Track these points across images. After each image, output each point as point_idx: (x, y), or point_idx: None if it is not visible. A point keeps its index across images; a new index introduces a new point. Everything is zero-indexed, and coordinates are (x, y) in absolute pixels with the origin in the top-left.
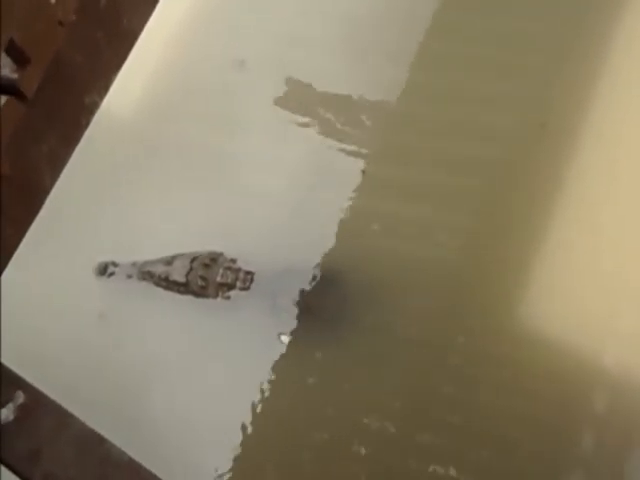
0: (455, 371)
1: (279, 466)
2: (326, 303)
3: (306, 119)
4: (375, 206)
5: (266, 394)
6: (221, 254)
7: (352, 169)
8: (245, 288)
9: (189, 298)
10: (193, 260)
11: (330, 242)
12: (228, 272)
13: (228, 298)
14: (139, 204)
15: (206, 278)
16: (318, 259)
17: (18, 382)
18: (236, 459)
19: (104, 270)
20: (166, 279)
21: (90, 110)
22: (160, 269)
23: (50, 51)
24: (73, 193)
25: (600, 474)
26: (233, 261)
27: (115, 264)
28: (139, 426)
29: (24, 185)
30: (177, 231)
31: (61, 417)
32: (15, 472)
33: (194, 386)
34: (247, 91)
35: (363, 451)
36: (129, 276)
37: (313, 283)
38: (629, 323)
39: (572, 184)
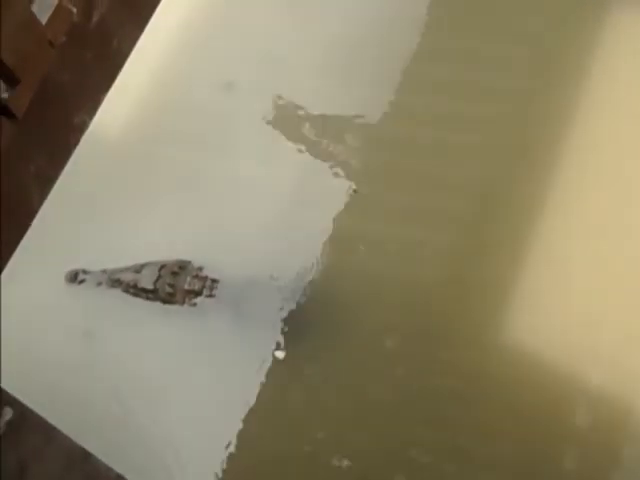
0: (438, 386)
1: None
2: (295, 317)
3: (292, 140)
4: (359, 225)
5: (243, 404)
6: (189, 262)
7: (337, 188)
8: (211, 295)
9: (158, 305)
10: (161, 268)
11: (306, 257)
12: (195, 280)
13: (194, 305)
14: (127, 222)
15: (174, 285)
16: (292, 274)
17: (6, 398)
18: (222, 473)
19: (74, 277)
20: (135, 286)
21: (79, 130)
22: (129, 277)
23: (40, 71)
24: (61, 212)
25: None
26: (200, 269)
27: (85, 272)
28: (125, 442)
29: (12, 204)
30: (163, 245)
31: (48, 432)
32: None
33: (176, 399)
34: (235, 112)
35: (345, 464)
36: (99, 283)
37: (285, 297)
38: (609, 338)
39: (554, 202)
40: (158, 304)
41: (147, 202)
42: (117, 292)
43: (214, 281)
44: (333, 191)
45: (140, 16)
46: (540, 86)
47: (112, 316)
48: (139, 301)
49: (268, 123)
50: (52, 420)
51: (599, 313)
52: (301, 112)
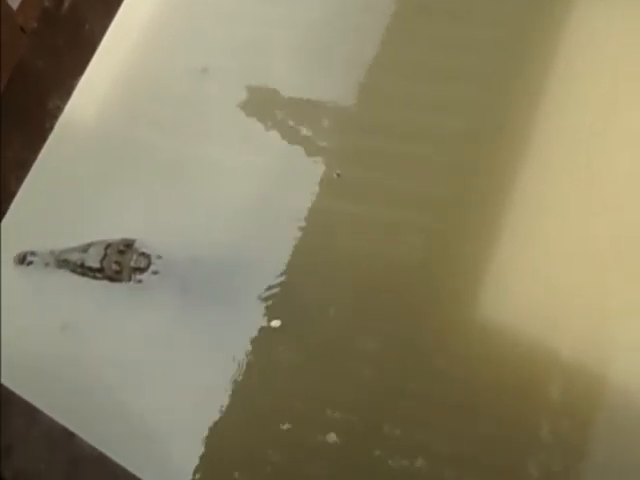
0: (418, 365)
1: (246, 457)
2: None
3: (268, 124)
4: (336, 207)
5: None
6: (134, 240)
7: (313, 172)
8: (156, 272)
9: (104, 284)
10: (107, 247)
11: (280, 239)
12: (141, 257)
13: (140, 282)
14: (102, 206)
15: (120, 263)
16: (263, 254)
17: None
18: (205, 451)
19: (23, 259)
20: (82, 265)
21: (53, 115)
22: (76, 256)
23: (13, 58)
24: (38, 197)
25: (558, 458)
26: (146, 247)
27: (33, 253)
28: (108, 421)
29: None
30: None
31: (31, 414)
32: None
33: (153, 377)
34: (210, 97)
35: (332, 439)
36: (47, 264)
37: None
38: (579, 312)
39: (527, 185)
40: (104, 282)
41: (121, 186)
42: (65, 272)
43: (158, 257)
44: (310, 174)
45: (111, 1)
46: (513, 68)
47: (71, 301)
48: (88, 282)
49: (243, 108)
50: (36, 402)
51: (569, 289)
52: (276, 97)
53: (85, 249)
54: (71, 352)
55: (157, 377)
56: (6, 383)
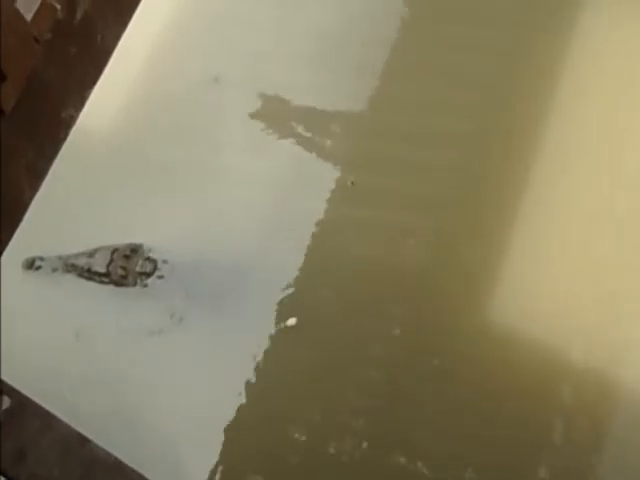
0: (428, 369)
1: (261, 460)
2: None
3: (279, 132)
4: (347, 212)
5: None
6: (141, 245)
7: (324, 178)
8: (161, 277)
9: (110, 288)
10: (114, 252)
11: (290, 244)
12: (147, 262)
13: (146, 286)
14: (113, 212)
15: (126, 268)
16: (272, 259)
17: (4, 387)
18: (220, 455)
19: (31, 264)
20: (88, 270)
21: (67, 124)
22: (83, 261)
23: (26, 67)
24: (51, 206)
25: (569, 462)
26: (152, 252)
27: (42, 258)
28: (123, 428)
29: (3, 199)
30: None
31: (45, 419)
32: (1, 473)
33: (165, 382)
34: (222, 106)
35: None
36: (54, 269)
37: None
38: (589, 315)
39: (535, 189)
40: (110, 287)
41: (135, 194)
42: (72, 277)
43: (164, 262)
44: (322, 181)
45: (123, 11)
46: (523, 69)
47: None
48: (96, 287)
49: (254, 116)
50: (50, 407)
51: (579, 290)
52: (287, 104)
53: (92, 254)
54: (84, 358)
55: (169, 382)
56: (21, 388)
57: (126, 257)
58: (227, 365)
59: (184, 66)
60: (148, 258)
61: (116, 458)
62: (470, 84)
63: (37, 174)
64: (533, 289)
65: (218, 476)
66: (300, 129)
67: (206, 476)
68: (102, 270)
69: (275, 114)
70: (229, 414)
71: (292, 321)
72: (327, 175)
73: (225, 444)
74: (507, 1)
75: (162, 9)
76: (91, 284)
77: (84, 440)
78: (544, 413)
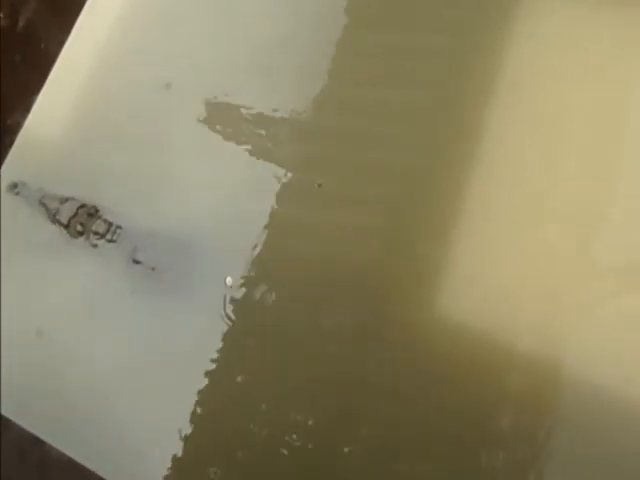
0: (377, 361)
1: (221, 454)
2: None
3: (228, 138)
4: (294, 213)
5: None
6: (103, 208)
7: (271, 180)
8: (112, 240)
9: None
10: (80, 207)
11: (237, 242)
12: (103, 223)
13: (95, 246)
14: None
15: (84, 225)
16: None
17: None
18: (176, 449)
19: (14, 187)
20: (53, 216)
21: (13, 131)
22: (53, 205)
23: None
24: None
25: (517, 450)
26: (113, 215)
27: (24, 185)
28: (76, 426)
29: None
30: None
31: (1, 423)
32: None
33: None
34: (171, 112)
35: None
36: (29, 199)
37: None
38: (532, 305)
39: (479, 185)
40: (66, 237)
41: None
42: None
43: (118, 227)
44: (267, 183)
45: (65, 19)
46: (457, 75)
47: None
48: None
49: (205, 121)
50: (4, 412)
51: (524, 283)
52: (236, 110)
53: (63, 201)
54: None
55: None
56: None
57: (89, 215)
58: (171, 349)
59: (130, 72)
60: (105, 220)
61: (70, 458)
62: (413, 88)
63: None
64: (480, 281)
65: (174, 470)
66: (247, 134)
67: (162, 472)
68: (64, 221)
69: (225, 119)
70: (184, 408)
71: (229, 280)
72: (276, 177)
73: (181, 437)
74: (446, 10)
75: (105, 16)
76: (50, 226)
77: (39, 441)
78: (492, 402)
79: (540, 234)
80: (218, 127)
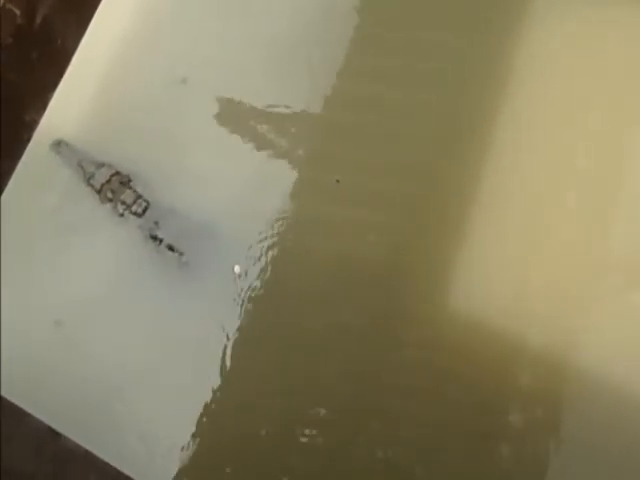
0: (386, 358)
1: (236, 443)
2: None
3: (241, 134)
4: (308, 209)
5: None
6: (138, 178)
7: (284, 176)
8: (136, 213)
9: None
10: (114, 174)
11: (251, 237)
12: (133, 194)
13: (122, 215)
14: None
15: (115, 192)
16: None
17: None
18: (192, 445)
19: (57, 145)
20: (88, 179)
21: (30, 127)
22: (90, 168)
23: None
24: (17, 206)
25: (528, 444)
26: (143, 187)
27: (68, 145)
28: (92, 419)
29: None
30: None
31: (18, 416)
32: None
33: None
34: (186, 108)
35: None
36: (69, 160)
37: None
38: (543, 301)
39: (492, 183)
40: (97, 201)
41: None
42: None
43: (145, 201)
44: (281, 179)
45: (83, 15)
46: (472, 74)
47: None
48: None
49: (220, 117)
50: (21, 404)
51: (532, 279)
52: (248, 107)
53: (99, 166)
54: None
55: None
56: None
57: (121, 184)
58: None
59: (147, 67)
60: (135, 191)
61: (87, 450)
62: (425, 85)
63: (2, 176)
64: (490, 276)
65: (190, 463)
66: (260, 130)
67: (178, 466)
68: (97, 186)
69: (241, 115)
70: (199, 401)
71: (237, 268)
72: (292, 173)
73: (197, 432)
74: (459, 5)
75: (122, 12)
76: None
77: (55, 434)
78: (502, 399)
79: (556, 232)
80: (234, 122)
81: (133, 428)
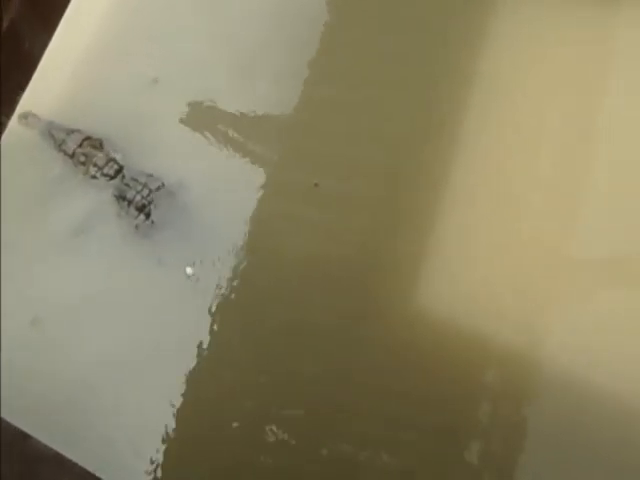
0: (358, 358)
1: (207, 447)
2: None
3: (211, 135)
4: (277, 209)
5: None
6: (109, 142)
7: (254, 177)
8: (108, 175)
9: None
10: (86, 139)
11: (222, 238)
12: (104, 158)
13: (95, 177)
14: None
15: (88, 156)
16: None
17: None
18: (163, 444)
19: (25, 116)
20: (59, 146)
21: None
22: (60, 135)
23: None
24: None
25: (495, 439)
26: (115, 152)
27: (35, 116)
28: (62, 420)
29: None
30: None
31: None
32: None
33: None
34: (154, 111)
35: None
36: (39, 129)
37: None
38: (512, 300)
39: (458, 183)
40: (70, 165)
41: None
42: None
43: (118, 165)
44: (250, 180)
45: (49, 18)
46: (439, 74)
47: None
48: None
49: (191, 119)
50: None
51: (503, 278)
52: (217, 109)
53: (69, 133)
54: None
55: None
56: None
57: (93, 147)
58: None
59: (116, 69)
60: (107, 154)
61: (56, 451)
62: (393, 86)
63: None
64: (457, 276)
65: (162, 462)
66: (229, 132)
67: (149, 465)
68: (69, 152)
69: (205, 118)
70: (167, 403)
71: (189, 270)
72: (255, 174)
73: (166, 432)
74: (426, 11)
75: (90, 15)
76: (55, 154)
77: (25, 436)
78: (471, 397)
79: (523, 231)
80: (206, 124)
81: (101, 429)
